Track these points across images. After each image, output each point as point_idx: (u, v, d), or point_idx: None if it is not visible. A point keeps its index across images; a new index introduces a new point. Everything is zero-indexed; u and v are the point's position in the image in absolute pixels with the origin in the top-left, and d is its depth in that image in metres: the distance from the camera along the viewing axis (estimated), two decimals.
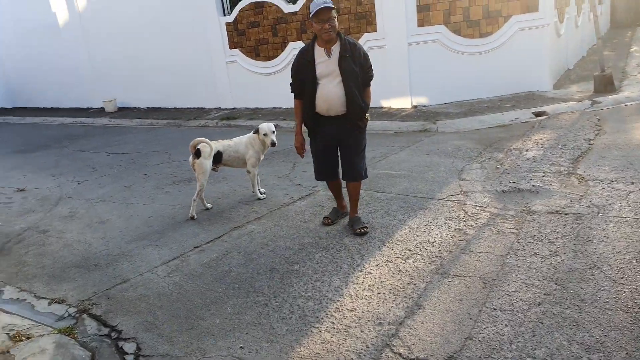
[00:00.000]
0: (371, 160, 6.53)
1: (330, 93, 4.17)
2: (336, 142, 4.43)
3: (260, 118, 10.54)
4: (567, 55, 12.36)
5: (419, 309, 3.18)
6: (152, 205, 5.77)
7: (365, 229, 4.43)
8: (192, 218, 5.13)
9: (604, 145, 6.03)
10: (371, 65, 4.28)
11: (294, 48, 10.70)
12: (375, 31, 9.69)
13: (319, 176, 4.64)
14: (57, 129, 13.05)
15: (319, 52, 4.20)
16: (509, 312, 3.03)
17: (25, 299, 3.88)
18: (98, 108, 14.75)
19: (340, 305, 3.33)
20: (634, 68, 11.29)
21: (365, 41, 9.75)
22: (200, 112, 12.14)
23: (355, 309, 3.26)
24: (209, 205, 5.41)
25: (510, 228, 4.18)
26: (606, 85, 8.95)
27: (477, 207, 4.67)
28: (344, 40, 4.17)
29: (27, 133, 12.77)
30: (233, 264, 4.07)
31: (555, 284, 3.26)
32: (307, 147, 4.55)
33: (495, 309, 3.08)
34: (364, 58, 4.20)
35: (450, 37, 9.34)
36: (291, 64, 4.43)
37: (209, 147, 5.05)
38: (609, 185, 4.79)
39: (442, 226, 4.35)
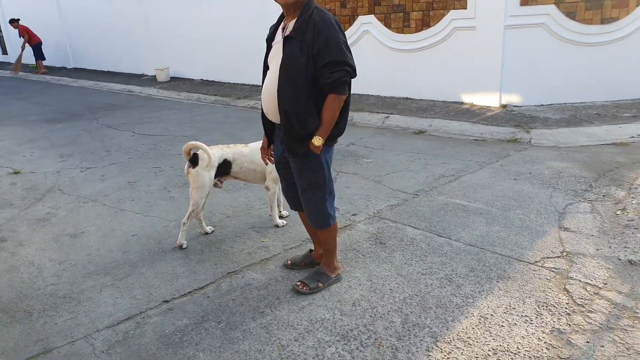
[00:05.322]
0: (439, 181, 4.94)
1: (265, 88, 2.83)
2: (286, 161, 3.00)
3: None
4: None
5: None
6: (145, 217, 4.50)
7: (304, 288, 3.06)
8: (181, 247, 3.80)
9: None
10: (342, 61, 2.62)
11: (363, 22, 9.04)
12: (465, 8, 7.68)
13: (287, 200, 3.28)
14: (102, 95, 12.18)
15: (282, 27, 2.80)
16: None
17: None
18: (151, 76, 13.77)
19: None
20: None
21: (451, 20, 7.84)
22: (252, 91, 10.81)
23: None
24: (208, 229, 4.05)
25: None
26: None
27: (589, 288, 3.04)
28: (304, 14, 2.66)
29: (71, 98, 11.98)
30: (204, 345, 2.70)
31: None
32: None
33: None
34: (325, 45, 2.59)
35: (562, 21, 7.27)
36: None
37: (207, 155, 3.68)
38: None
39: (532, 320, 2.77)
